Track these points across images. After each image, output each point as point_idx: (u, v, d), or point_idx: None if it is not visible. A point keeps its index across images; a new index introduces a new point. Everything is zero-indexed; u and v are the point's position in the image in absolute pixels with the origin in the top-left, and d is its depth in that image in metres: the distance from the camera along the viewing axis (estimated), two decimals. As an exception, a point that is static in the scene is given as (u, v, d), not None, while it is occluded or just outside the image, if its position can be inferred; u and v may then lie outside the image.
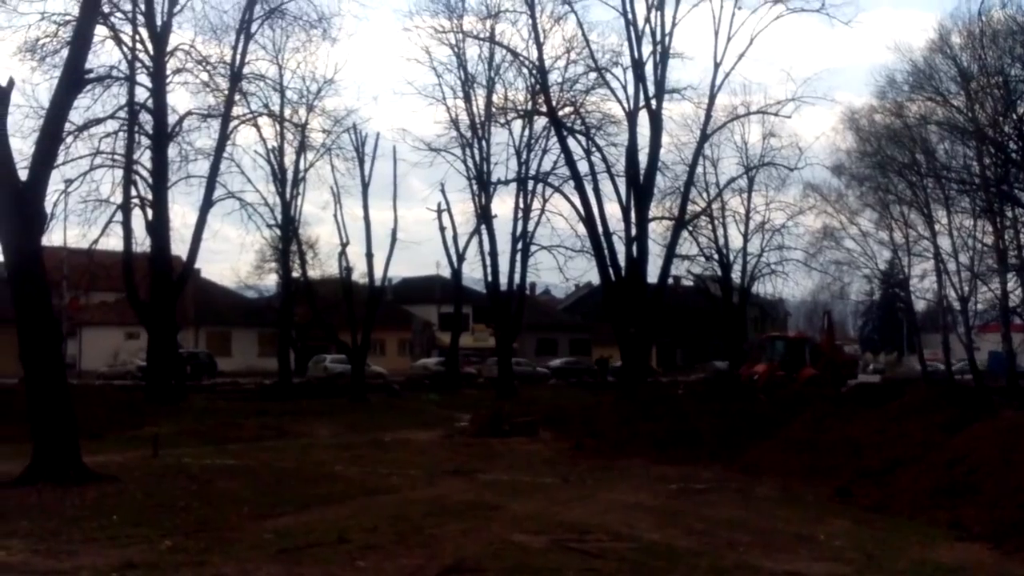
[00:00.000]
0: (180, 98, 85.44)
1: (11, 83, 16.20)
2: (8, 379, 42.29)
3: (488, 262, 50.96)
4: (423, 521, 12.14)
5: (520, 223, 51.06)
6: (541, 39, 45.27)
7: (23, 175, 16.41)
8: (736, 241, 60.14)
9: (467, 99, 49.94)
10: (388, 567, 9.72)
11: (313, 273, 53.97)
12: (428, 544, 10.80)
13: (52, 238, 38.84)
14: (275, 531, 11.43)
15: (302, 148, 46.10)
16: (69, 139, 34.24)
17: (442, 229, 51.97)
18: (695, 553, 10.67)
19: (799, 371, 45.64)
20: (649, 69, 43.78)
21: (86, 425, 17.48)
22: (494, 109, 49.85)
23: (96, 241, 38.84)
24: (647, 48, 43.50)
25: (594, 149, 45.27)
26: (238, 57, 40.30)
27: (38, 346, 15.75)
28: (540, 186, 50.67)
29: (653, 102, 43.74)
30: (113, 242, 39.41)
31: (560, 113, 45.63)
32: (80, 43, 17.51)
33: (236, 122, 41.99)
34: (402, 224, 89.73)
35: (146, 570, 9.36)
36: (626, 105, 43.96)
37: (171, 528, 11.51)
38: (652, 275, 46.82)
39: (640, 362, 43.59)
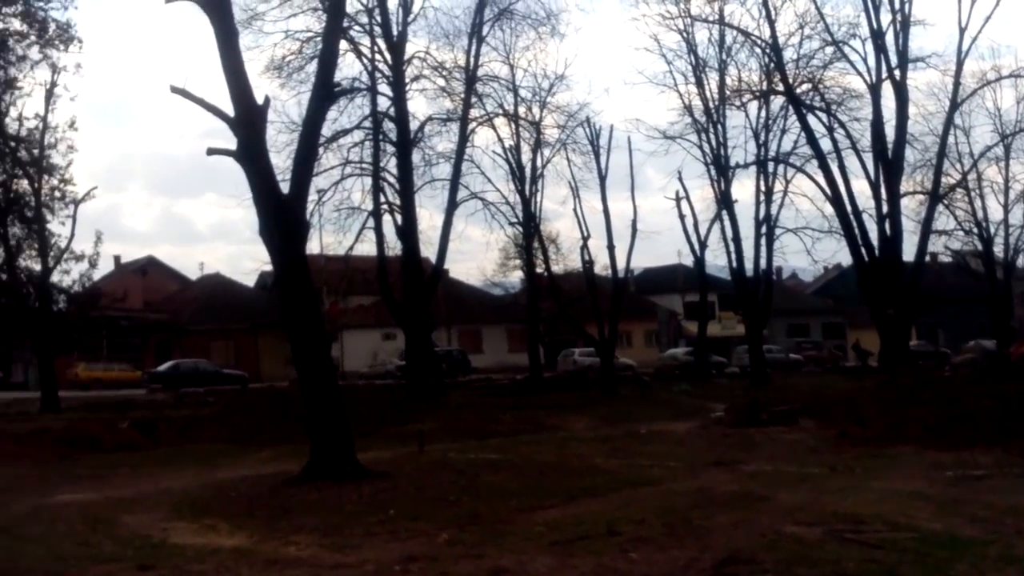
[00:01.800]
0: (419, 105, 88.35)
1: (267, 101, 16.95)
2: (278, 382, 44.87)
3: (731, 248, 50.23)
4: (691, 513, 11.94)
5: (762, 206, 50.14)
6: (773, 16, 44.25)
7: (282, 187, 17.26)
8: (996, 213, 57.00)
9: (699, 84, 49.40)
10: (660, 559, 9.60)
11: (556, 268, 54.58)
12: (698, 536, 10.62)
13: (311, 246, 40.84)
14: (545, 523, 11.50)
15: (538, 145, 46.69)
16: (320, 150, 35.85)
17: (682, 217, 51.61)
18: (982, 542, 10.05)
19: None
20: (889, 39, 42.18)
21: (355, 424, 18.11)
22: (728, 92, 49.13)
23: (352, 247, 40.62)
24: (886, 17, 41.87)
25: (836, 125, 43.91)
26: (472, 60, 41.20)
27: (309, 350, 16.39)
28: (781, 167, 49.55)
29: (896, 73, 42.04)
30: (367, 247, 41.12)
31: (798, 91, 44.43)
32: (328, 58, 18.17)
33: (474, 124, 42.91)
34: (641, 214, 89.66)
35: (427, 563, 9.57)
36: (868, 78, 42.43)
37: (445, 521, 11.77)
38: (908, 253, 44.96)
39: (900, 344, 41.79)
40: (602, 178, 44.81)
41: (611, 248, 45.10)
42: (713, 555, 9.59)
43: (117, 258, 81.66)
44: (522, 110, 46.32)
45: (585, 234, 46.18)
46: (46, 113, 37.30)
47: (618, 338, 48.87)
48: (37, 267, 38.27)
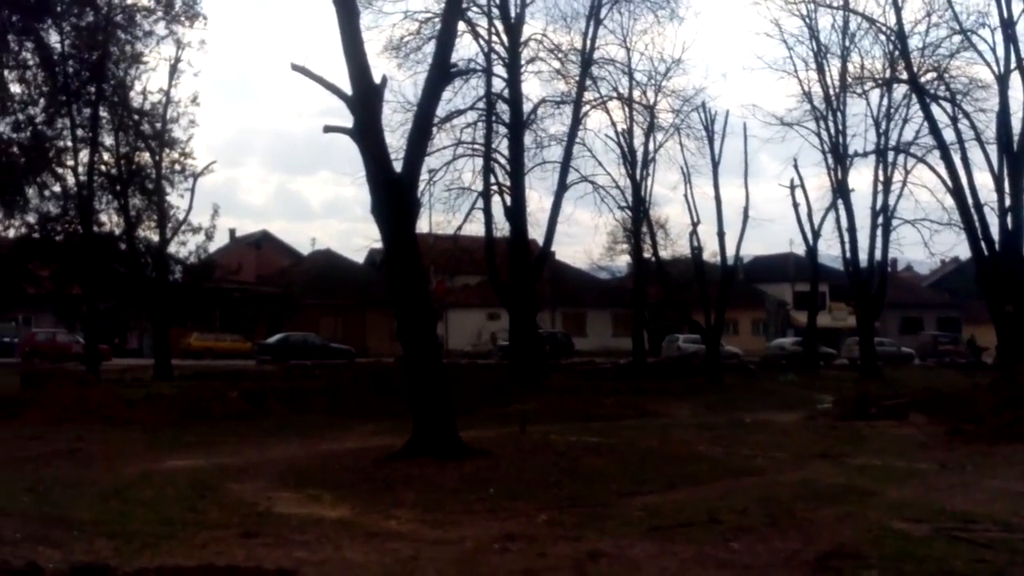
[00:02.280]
0: (533, 87, 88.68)
1: (384, 80, 17.11)
2: (383, 357, 45.42)
3: (846, 238, 49.34)
4: (794, 504, 11.75)
5: (880, 196, 49.11)
6: (900, 3, 43.11)
7: (395, 166, 17.41)
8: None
9: (820, 70, 48.52)
10: (762, 550, 9.46)
11: (664, 253, 54.19)
12: (802, 528, 10.44)
13: (420, 225, 41.09)
14: (645, 508, 11.43)
15: (651, 129, 46.27)
16: (434, 130, 36.06)
17: (795, 205, 50.75)
18: (1098, 547, 9.69)
19: None
20: (1020, 28, 40.70)
21: (457, 402, 18.21)
22: (849, 79, 48.13)
23: (460, 227, 40.90)
24: (1017, 6, 40.47)
25: (961, 116, 42.53)
26: (588, 43, 41.00)
27: (415, 327, 16.51)
28: (901, 157, 48.36)
29: (1026, 63, 40.54)
30: (475, 227, 41.35)
31: (922, 79, 43.20)
32: (446, 38, 18.26)
33: (587, 107, 42.83)
34: (753, 202, 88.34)
35: (525, 542, 9.58)
36: (995, 68, 40.99)
37: (545, 502, 11.78)
38: (1031, 248, 43.36)
39: (1018, 341, 40.49)
40: (715, 164, 44.25)
41: (721, 235, 44.47)
42: (816, 548, 9.42)
43: (232, 231, 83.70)
44: (636, 94, 46.04)
45: (695, 220, 45.62)
46: (169, 88, 38.26)
47: (724, 326, 48.33)
48: (155, 238, 39.32)
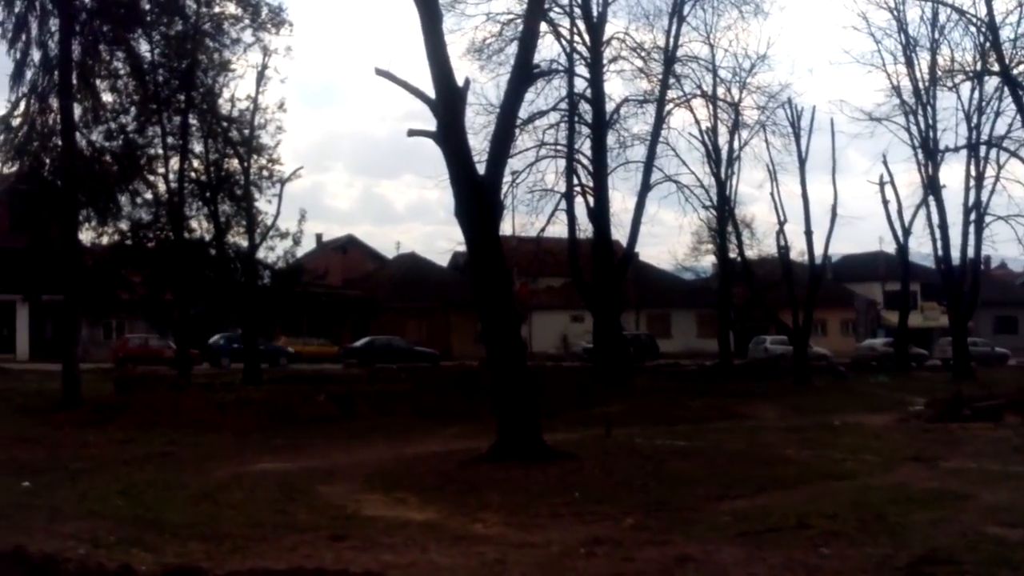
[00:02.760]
0: (615, 86, 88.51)
1: (467, 82, 17.19)
2: (467, 360, 45.63)
3: (937, 235, 48.26)
4: (886, 509, 11.50)
5: (972, 192, 47.94)
6: (991, -7, 41.97)
7: (478, 169, 17.46)
8: None
9: (909, 64, 47.57)
10: (853, 555, 9.28)
11: (750, 253, 53.48)
12: (893, 533, 10.22)
13: (503, 227, 41.28)
14: (732, 513, 11.30)
15: (736, 127, 45.93)
16: (516, 132, 36.12)
17: (885, 203, 49.94)
18: None
19: None
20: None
21: (541, 405, 18.20)
22: (939, 72, 47.09)
23: (543, 229, 40.95)
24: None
25: (1055, 107, 41.35)
26: (671, 41, 40.88)
27: (499, 329, 16.53)
28: (994, 151, 47.19)
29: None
30: (558, 229, 41.35)
31: (1015, 71, 42.06)
32: (528, 39, 18.30)
33: (671, 105, 42.65)
34: (841, 199, 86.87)
35: (612, 546, 9.53)
36: (1092, 59, 39.83)
37: (631, 506, 11.71)
38: None
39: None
40: (802, 161, 43.58)
41: (808, 233, 43.87)
42: (909, 553, 9.22)
43: (319, 236, 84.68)
44: (721, 91, 45.73)
45: (782, 218, 45.04)
46: (257, 94, 38.83)
47: (813, 326, 47.63)
48: (244, 243, 39.92)
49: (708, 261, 68.28)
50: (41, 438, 19.94)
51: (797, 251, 49.20)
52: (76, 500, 12.34)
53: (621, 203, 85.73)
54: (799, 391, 35.13)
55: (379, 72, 16.86)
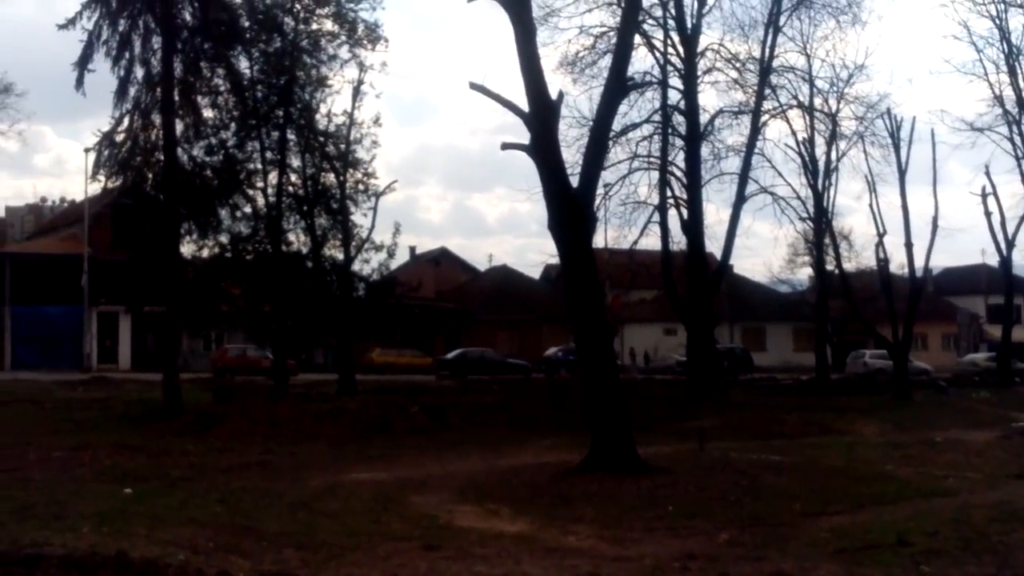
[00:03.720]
0: (709, 98, 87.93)
1: (561, 96, 17.25)
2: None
3: (1043, 247, 46.91)
4: (989, 527, 11.22)
5: (1080, 203, 46.49)
6: (1098, 0, 40.89)
7: (571, 181, 17.46)
8: None
9: (1012, 72, 46.49)
10: (955, 574, 9.09)
11: (848, 265, 52.68)
12: (997, 552, 9.96)
13: (595, 239, 41.22)
14: (830, 529, 11.13)
15: (833, 137, 45.10)
16: (609, 144, 36.04)
17: (987, 214, 48.77)
18: None
19: None
20: None
21: (634, 418, 18.09)
22: (1044, 81, 45.81)
23: (636, 241, 40.77)
24: None
25: None
26: (767, 51, 40.42)
27: (592, 342, 16.51)
28: (1101, 162, 45.75)
29: None
30: (650, 241, 41.12)
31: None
32: (622, 51, 18.32)
33: (766, 116, 42.13)
34: (942, 211, 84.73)
35: (706, 561, 9.44)
36: None
37: (725, 521, 11.59)
38: None
39: None
40: (901, 172, 42.64)
41: (909, 246, 42.83)
42: (1013, 573, 9.02)
43: (412, 249, 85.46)
44: (818, 101, 44.93)
45: (881, 231, 44.06)
46: (352, 110, 39.25)
47: (913, 340, 46.58)
48: (340, 256, 40.33)
49: (804, 274, 67.55)
50: (143, 446, 20.39)
51: (896, 264, 48.37)
52: (177, 507, 12.60)
53: (715, 215, 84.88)
54: (899, 406, 34.35)
55: (473, 86, 16.98)
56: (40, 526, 10.91)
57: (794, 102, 43.94)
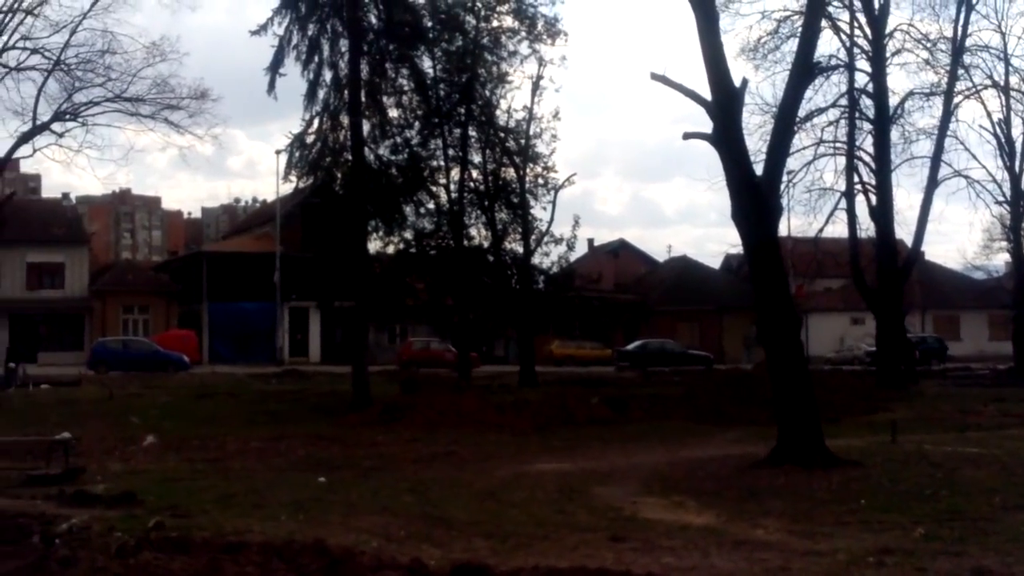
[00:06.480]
0: (898, 80, 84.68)
1: (744, 82, 16.99)
2: (740, 364, 44.84)
3: None
4: None
5: None
6: None
7: (755, 169, 17.19)
8: None
9: None
10: None
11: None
12: None
13: (779, 228, 40.45)
14: (1034, 524, 10.66)
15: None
16: (794, 130, 35.27)
17: None
18: None
19: None
20: None
21: (822, 409, 17.65)
22: None
23: (822, 229, 39.89)
24: None
25: None
26: (959, 30, 38.81)
27: (778, 333, 16.21)
28: None
29: None
30: (836, 229, 40.14)
31: None
32: (808, 35, 17.91)
33: (959, 98, 40.42)
34: None
35: (902, 556, 9.18)
36: None
37: (921, 515, 11.23)
38: None
39: None
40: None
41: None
42: None
43: (591, 241, 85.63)
44: (1014, 80, 42.84)
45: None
46: (532, 105, 39.69)
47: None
48: (520, 250, 40.85)
49: (1001, 259, 64.29)
50: (335, 437, 21.10)
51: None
52: (369, 496, 13.00)
53: (905, 200, 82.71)
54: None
55: (654, 77, 16.90)
56: (241, 514, 11.45)
57: (989, 82, 42.04)
